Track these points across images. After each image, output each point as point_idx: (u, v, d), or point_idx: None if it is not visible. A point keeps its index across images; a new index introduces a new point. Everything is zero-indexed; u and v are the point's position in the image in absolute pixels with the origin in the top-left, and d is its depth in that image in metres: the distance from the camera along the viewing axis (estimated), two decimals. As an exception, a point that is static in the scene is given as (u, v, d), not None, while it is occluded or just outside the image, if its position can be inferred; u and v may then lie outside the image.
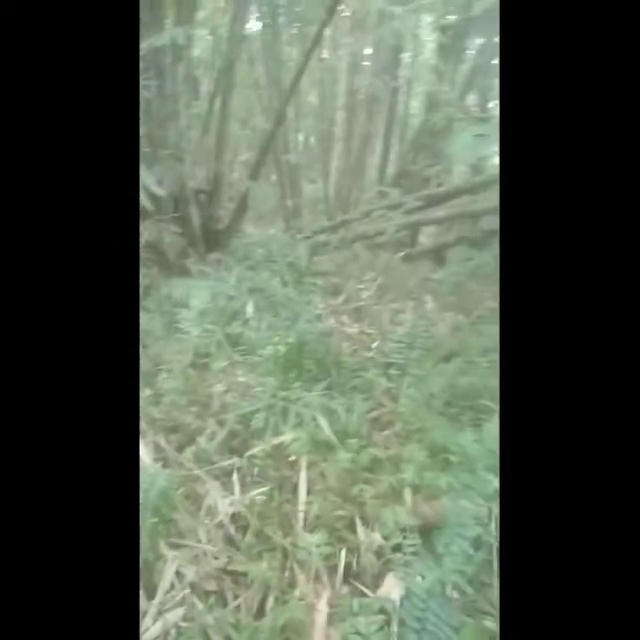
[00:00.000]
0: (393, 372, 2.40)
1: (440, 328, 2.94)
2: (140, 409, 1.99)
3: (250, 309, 2.79)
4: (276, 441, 1.85)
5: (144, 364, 2.27)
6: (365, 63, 5.41)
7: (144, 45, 2.81)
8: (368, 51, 5.39)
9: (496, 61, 5.77)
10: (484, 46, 5.32)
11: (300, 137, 6.95)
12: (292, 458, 1.80)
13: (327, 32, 5.45)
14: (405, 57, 5.41)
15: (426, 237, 5.68)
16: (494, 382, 2.34)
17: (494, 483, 1.63)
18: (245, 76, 5.49)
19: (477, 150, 2.20)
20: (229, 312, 2.73)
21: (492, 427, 1.89)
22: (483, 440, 1.83)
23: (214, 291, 2.65)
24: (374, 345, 2.68)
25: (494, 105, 5.96)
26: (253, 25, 5.93)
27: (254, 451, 1.85)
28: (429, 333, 2.75)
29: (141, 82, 3.09)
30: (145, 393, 2.13)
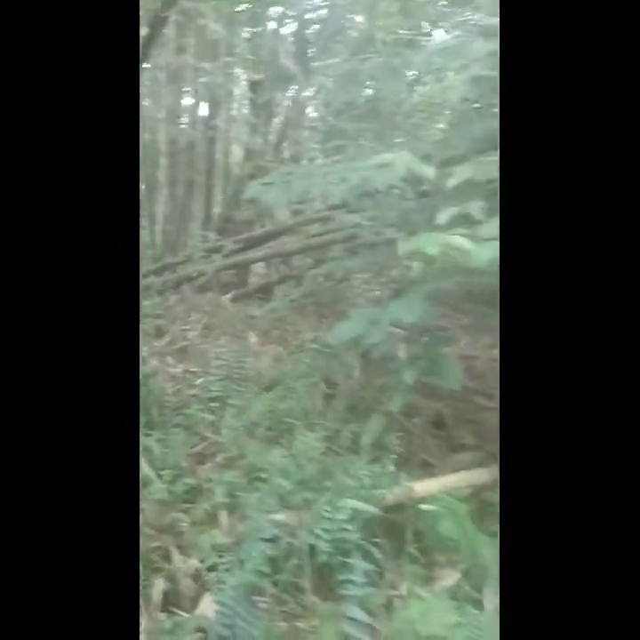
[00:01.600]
0: (214, 405, 2.50)
1: (262, 361, 3.12)
2: None
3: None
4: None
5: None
6: (182, 113, 5.61)
7: None
8: (184, 102, 5.60)
9: (310, 112, 6.36)
10: (293, 100, 5.85)
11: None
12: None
13: (144, 80, 5.57)
14: (220, 110, 5.71)
15: (255, 277, 5.93)
16: (308, 403, 2.56)
17: (302, 493, 1.80)
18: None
19: (255, 190, 2.35)
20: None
21: (301, 441, 2.08)
22: (294, 455, 2.00)
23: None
24: (198, 382, 2.76)
25: (307, 155, 6.52)
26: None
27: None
28: (252, 366, 2.91)
29: None
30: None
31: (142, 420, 2.18)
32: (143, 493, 1.78)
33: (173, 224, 5.80)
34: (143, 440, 2.03)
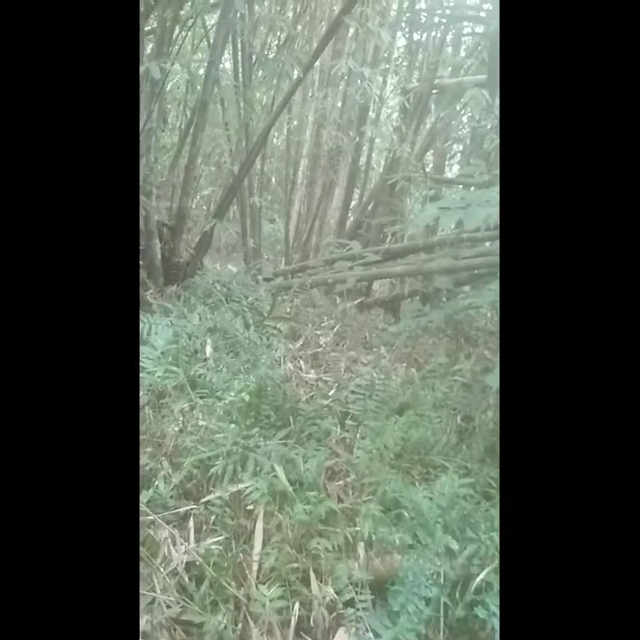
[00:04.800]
0: (348, 422, 2.46)
1: (393, 380, 3.04)
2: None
3: (209, 350, 2.80)
4: (233, 488, 1.85)
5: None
6: (332, 116, 5.64)
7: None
8: (335, 105, 5.63)
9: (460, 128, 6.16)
10: (445, 111, 5.67)
11: (264, 178, 7.08)
12: (250, 507, 1.81)
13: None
14: (370, 115, 5.69)
15: (379, 286, 5.87)
16: (444, 438, 2.44)
17: (445, 540, 1.70)
18: (214, 113, 5.60)
19: (431, 214, 2.29)
20: (190, 351, 2.73)
21: (442, 483, 1.98)
22: (434, 497, 1.90)
23: (176, 329, 2.65)
24: (331, 393, 2.74)
25: (450, 167, 6.33)
26: (226, 64, 6.09)
27: (211, 497, 1.84)
28: (383, 385, 2.84)
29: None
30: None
31: (284, 428, 2.18)
32: (284, 510, 1.77)
33: (306, 223, 5.88)
34: (285, 451, 2.02)
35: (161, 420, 2.21)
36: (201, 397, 2.27)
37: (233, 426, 2.04)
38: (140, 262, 3.62)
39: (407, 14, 5.39)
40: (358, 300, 4.66)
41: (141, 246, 3.60)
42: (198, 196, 7.42)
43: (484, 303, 2.87)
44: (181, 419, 2.19)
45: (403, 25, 5.85)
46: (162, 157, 5.38)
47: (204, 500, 1.85)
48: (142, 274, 3.69)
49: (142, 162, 3.66)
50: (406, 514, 1.81)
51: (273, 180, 8.45)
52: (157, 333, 2.46)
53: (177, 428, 2.21)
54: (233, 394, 2.21)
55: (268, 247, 6.87)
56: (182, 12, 4.02)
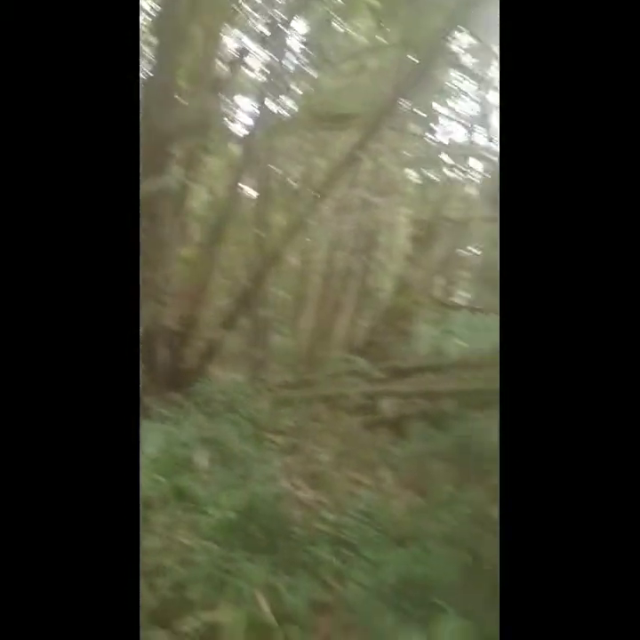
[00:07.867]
0: (344, 551, 2.26)
1: (396, 507, 2.85)
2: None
3: (201, 460, 2.67)
4: (209, 617, 1.66)
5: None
6: (345, 240, 5.91)
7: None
8: (349, 230, 5.91)
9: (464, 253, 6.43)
10: (453, 239, 5.94)
11: (277, 292, 7.28)
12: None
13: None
14: (382, 240, 5.95)
15: (387, 403, 5.74)
16: (448, 576, 2.22)
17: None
18: (235, 232, 5.91)
19: (432, 337, 2.29)
20: (181, 460, 2.61)
21: (440, 629, 1.77)
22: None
23: (169, 437, 2.56)
24: (329, 517, 2.55)
25: (458, 292, 6.49)
26: (248, 188, 6.52)
27: (184, 628, 1.65)
28: (386, 513, 2.66)
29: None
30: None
31: (271, 554, 2.01)
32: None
33: (315, 337, 5.94)
34: (270, 579, 1.84)
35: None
36: (185, 512, 2.12)
37: (216, 546, 1.88)
38: (143, 366, 3.59)
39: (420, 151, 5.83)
40: (363, 417, 4.52)
41: (148, 351, 3.61)
42: (213, 307, 7.61)
43: (492, 426, 2.74)
44: (164, 534, 2.03)
45: (414, 161, 6.31)
46: (182, 269, 5.60)
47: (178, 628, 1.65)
48: (145, 378, 3.66)
49: (160, 273, 3.79)
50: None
51: (287, 295, 8.69)
52: (148, 441, 2.37)
53: (159, 545, 2.04)
54: (220, 510, 2.06)
55: (277, 359, 6.88)
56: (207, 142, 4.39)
